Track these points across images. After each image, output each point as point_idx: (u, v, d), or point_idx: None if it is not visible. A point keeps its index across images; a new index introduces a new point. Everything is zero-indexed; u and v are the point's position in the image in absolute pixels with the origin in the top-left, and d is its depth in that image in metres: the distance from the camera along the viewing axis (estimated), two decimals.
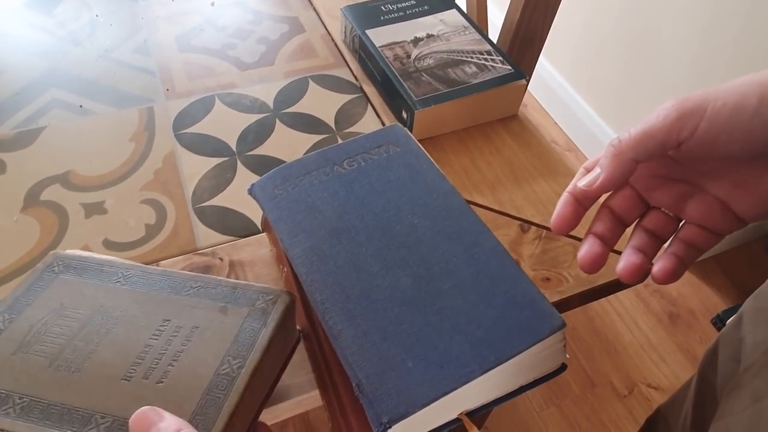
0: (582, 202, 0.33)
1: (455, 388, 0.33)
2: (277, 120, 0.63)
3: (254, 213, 0.54)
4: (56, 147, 0.58)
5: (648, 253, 0.32)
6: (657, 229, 0.33)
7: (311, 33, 0.76)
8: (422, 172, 0.44)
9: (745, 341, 0.44)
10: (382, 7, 0.69)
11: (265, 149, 0.60)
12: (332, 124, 0.63)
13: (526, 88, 0.63)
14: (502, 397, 0.37)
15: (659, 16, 1.29)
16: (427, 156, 0.46)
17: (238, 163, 0.58)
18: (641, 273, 0.32)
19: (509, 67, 0.62)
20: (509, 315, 0.36)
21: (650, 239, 0.33)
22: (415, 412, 0.32)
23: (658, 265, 0.32)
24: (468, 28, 0.67)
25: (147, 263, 0.49)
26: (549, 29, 0.73)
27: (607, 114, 1.55)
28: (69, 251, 0.41)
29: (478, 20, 0.81)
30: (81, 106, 0.62)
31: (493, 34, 0.69)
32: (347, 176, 0.44)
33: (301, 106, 0.65)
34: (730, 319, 0.49)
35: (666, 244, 0.33)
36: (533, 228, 0.54)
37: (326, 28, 0.76)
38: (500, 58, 0.63)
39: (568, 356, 0.38)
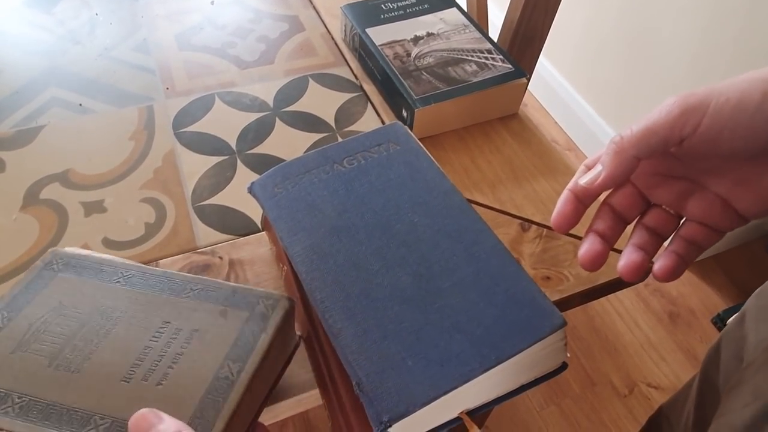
0: (583, 199, 0.33)
1: (456, 387, 0.33)
2: (277, 119, 0.63)
3: (254, 212, 0.54)
4: (56, 146, 0.58)
5: (649, 251, 0.32)
6: (658, 226, 0.33)
7: (311, 31, 0.75)
8: (422, 170, 0.44)
9: (747, 339, 0.44)
10: (382, 6, 0.69)
11: (265, 148, 0.60)
12: (332, 123, 0.63)
13: (526, 87, 0.63)
14: (502, 396, 0.37)
15: (659, 15, 1.29)
16: (427, 154, 0.46)
17: (238, 161, 0.58)
18: (642, 271, 0.32)
19: (509, 66, 0.62)
20: (510, 313, 0.36)
21: (651, 237, 0.33)
22: (415, 411, 0.32)
23: (659, 263, 0.31)
24: (468, 27, 0.67)
25: (146, 262, 0.49)
26: (549, 28, 0.73)
27: (607, 113, 1.55)
28: (68, 249, 0.41)
29: (478, 19, 0.80)
30: (80, 105, 0.62)
31: (493, 34, 0.69)
32: (347, 174, 0.44)
33: (301, 105, 0.65)
34: (733, 317, 0.49)
35: (667, 242, 0.33)
36: (534, 227, 0.54)
37: (326, 27, 0.76)
38: (500, 56, 0.63)
39: (568, 355, 0.38)
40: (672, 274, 0.31)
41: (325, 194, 0.42)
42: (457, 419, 0.36)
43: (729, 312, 1.27)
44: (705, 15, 1.18)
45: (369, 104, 0.66)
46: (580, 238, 0.42)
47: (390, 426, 0.32)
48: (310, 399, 0.43)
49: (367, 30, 0.66)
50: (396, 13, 0.68)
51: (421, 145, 0.47)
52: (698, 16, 1.20)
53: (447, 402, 0.34)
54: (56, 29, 0.71)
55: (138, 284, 0.39)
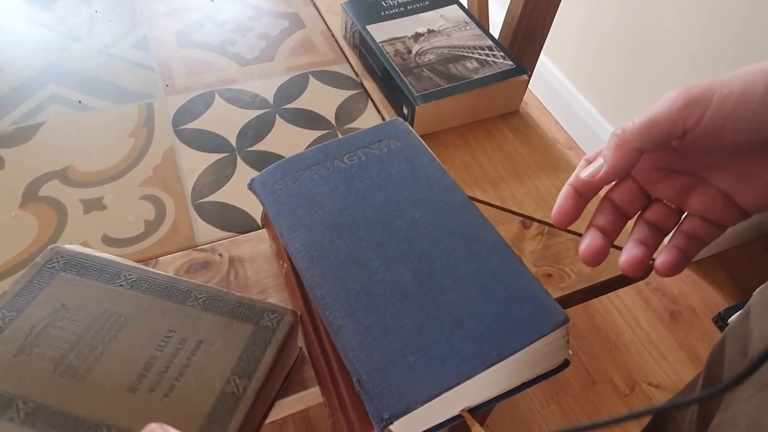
0: (583, 194, 0.33)
1: (457, 384, 0.33)
2: (277, 116, 0.63)
3: (254, 209, 0.53)
4: (55, 143, 0.58)
5: (650, 246, 0.32)
6: (659, 221, 0.33)
7: (311, 29, 0.75)
8: (423, 166, 0.44)
9: (752, 335, 0.44)
10: (383, 3, 0.69)
11: (265, 145, 0.60)
12: (332, 120, 0.63)
13: (527, 84, 0.63)
14: (504, 393, 0.37)
15: (660, 12, 1.29)
16: (428, 151, 0.46)
17: (238, 158, 0.58)
18: (644, 266, 0.31)
19: (510, 63, 0.62)
20: (511, 310, 0.36)
21: (652, 232, 0.33)
22: (416, 408, 0.32)
23: (661, 258, 0.31)
24: (469, 24, 0.67)
25: (146, 259, 0.49)
26: (551, 25, 0.72)
27: (608, 112, 1.55)
28: (68, 246, 0.41)
29: (479, 16, 0.80)
30: (80, 102, 0.62)
31: (494, 31, 0.69)
32: (348, 171, 0.43)
33: (302, 102, 0.65)
34: (737, 313, 0.49)
35: (668, 237, 0.33)
36: (535, 224, 0.54)
37: (326, 24, 0.76)
38: (501, 53, 0.63)
39: (570, 352, 0.38)
40: (674, 269, 0.31)
41: (325, 190, 0.42)
42: (459, 417, 0.36)
43: (730, 311, 1.27)
44: (706, 12, 1.18)
45: (369, 101, 0.65)
46: (581, 235, 0.42)
47: (391, 423, 0.32)
48: (311, 397, 0.42)
49: (367, 27, 0.66)
50: (396, 10, 0.68)
51: (422, 142, 0.46)
52: (699, 13, 1.19)
53: (448, 399, 0.33)
54: (56, 26, 0.71)
55: (141, 288, 0.39)
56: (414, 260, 0.38)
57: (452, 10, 0.69)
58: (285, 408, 0.42)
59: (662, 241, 0.33)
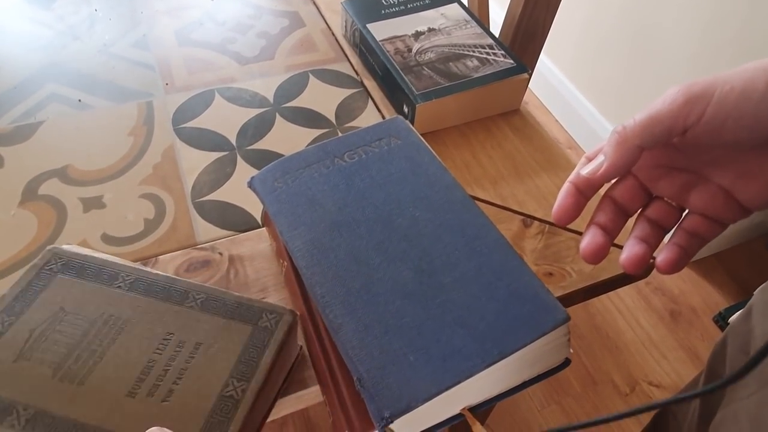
0: (584, 191, 0.33)
1: (458, 383, 0.33)
2: (278, 114, 0.63)
3: (254, 207, 0.53)
4: (54, 141, 0.58)
5: (651, 243, 0.32)
6: (660, 219, 0.33)
7: (311, 27, 0.75)
8: (423, 164, 0.44)
9: (754, 333, 0.44)
10: (383, 1, 0.69)
11: (265, 144, 0.59)
12: (333, 119, 0.63)
13: (528, 82, 0.62)
14: (505, 392, 0.37)
15: (660, 12, 1.29)
16: (428, 149, 0.45)
17: (238, 157, 0.58)
18: (644, 263, 0.31)
19: (511, 61, 0.62)
20: (512, 308, 0.36)
21: (653, 229, 0.33)
22: (417, 407, 0.32)
23: (662, 256, 0.31)
24: (469, 22, 0.67)
25: (146, 258, 0.49)
26: (551, 23, 0.72)
27: (608, 111, 1.55)
28: (66, 247, 0.41)
29: (479, 14, 0.80)
30: (80, 101, 0.62)
31: (493, 31, 0.68)
32: (348, 169, 0.43)
33: (302, 101, 0.64)
34: (739, 312, 0.49)
35: (669, 235, 0.33)
36: (536, 223, 0.54)
37: (326, 23, 0.76)
38: (502, 52, 0.63)
39: (571, 351, 0.38)
40: (675, 267, 0.31)
41: (325, 189, 0.42)
42: (459, 416, 0.35)
43: (730, 310, 1.27)
44: (706, 12, 1.18)
45: (370, 100, 0.65)
46: (582, 234, 0.42)
47: (391, 422, 0.32)
48: (311, 396, 0.42)
49: (367, 25, 0.66)
50: (397, 9, 0.68)
51: (423, 140, 0.46)
52: (699, 13, 1.19)
53: (449, 398, 0.33)
54: (55, 25, 0.71)
55: (139, 289, 0.38)
56: (414, 258, 0.38)
57: (453, 9, 0.68)
58: (285, 407, 0.42)
59: (663, 238, 0.33)
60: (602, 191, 0.34)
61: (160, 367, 0.35)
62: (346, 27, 0.71)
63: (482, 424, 0.35)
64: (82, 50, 0.68)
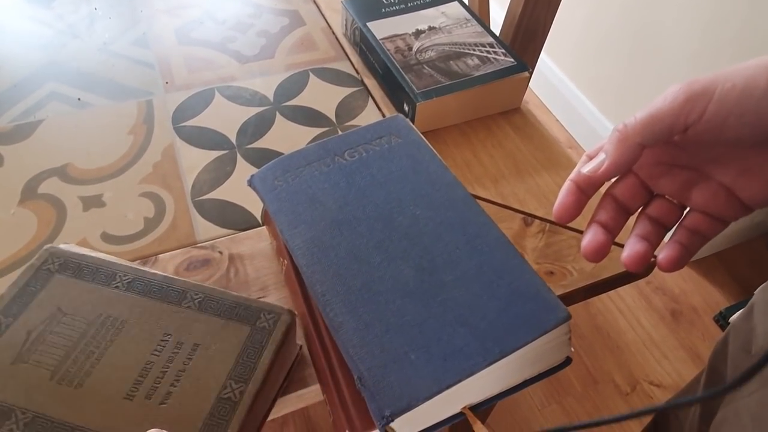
0: (585, 189, 0.33)
1: (459, 381, 0.33)
2: (278, 113, 0.63)
3: (254, 206, 0.53)
4: (54, 140, 0.58)
5: (652, 241, 0.32)
6: (661, 216, 0.33)
7: (311, 26, 0.75)
8: (424, 163, 0.44)
9: (756, 331, 0.44)
10: (384, 0, 0.68)
11: (265, 142, 0.59)
12: (333, 118, 0.63)
13: (529, 81, 0.62)
14: (506, 390, 0.37)
15: (660, 11, 1.28)
16: (429, 147, 0.45)
17: (238, 156, 0.58)
18: (646, 260, 0.31)
19: (512, 60, 0.61)
20: (514, 307, 0.35)
21: (654, 227, 0.33)
22: (417, 406, 0.32)
23: (663, 253, 0.31)
24: (470, 21, 0.66)
25: (146, 256, 0.48)
26: (552, 21, 0.72)
27: (609, 111, 1.55)
28: (64, 246, 0.41)
29: (479, 13, 0.80)
30: (79, 99, 0.62)
31: (494, 29, 0.68)
32: (348, 167, 0.43)
33: (302, 100, 0.64)
34: (740, 311, 0.49)
35: (670, 232, 0.33)
36: (536, 221, 0.53)
37: (327, 21, 0.75)
38: (503, 50, 0.63)
39: (573, 349, 0.38)
40: (676, 264, 0.31)
41: (326, 187, 0.42)
42: (460, 414, 0.35)
43: (731, 309, 1.27)
44: (706, 11, 1.17)
45: (370, 98, 0.65)
46: (583, 233, 0.42)
47: (392, 421, 0.32)
48: (311, 394, 0.42)
49: (368, 24, 0.65)
50: (397, 7, 0.68)
51: (423, 138, 0.46)
52: (700, 12, 1.19)
53: (450, 396, 0.33)
54: (55, 23, 0.71)
55: (137, 289, 0.38)
56: (415, 257, 0.38)
57: (453, 7, 0.68)
58: (285, 406, 0.42)
59: (664, 236, 0.33)
60: (603, 189, 0.34)
61: (158, 368, 0.35)
62: (346, 25, 0.71)
63: (483, 422, 0.35)
64: (81, 49, 0.68)
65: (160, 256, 0.49)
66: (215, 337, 0.36)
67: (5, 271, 0.47)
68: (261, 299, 0.46)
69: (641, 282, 1.35)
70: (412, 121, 0.58)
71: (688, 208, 0.33)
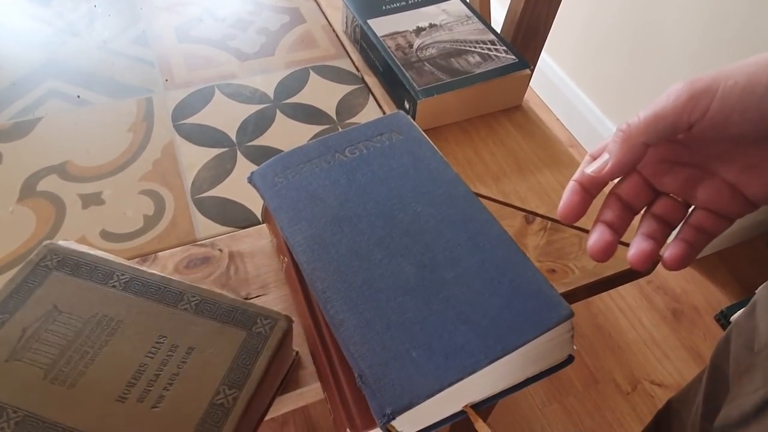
0: (589, 189, 0.33)
1: (460, 379, 0.32)
2: (278, 111, 0.62)
3: (254, 204, 0.53)
4: (53, 137, 0.57)
5: (658, 240, 0.32)
6: (666, 215, 0.33)
7: (312, 23, 0.75)
8: (425, 159, 0.43)
9: (758, 328, 0.43)
10: None
11: (266, 140, 0.59)
12: (333, 115, 0.62)
13: (530, 78, 0.62)
14: (508, 388, 0.37)
15: (661, 10, 1.28)
16: (430, 144, 0.45)
17: (238, 153, 0.57)
18: (652, 259, 0.31)
19: (513, 57, 0.61)
20: (515, 304, 0.35)
21: (660, 225, 0.32)
22: (419, 404, 0.32)
23: (669, 252, 0.31)
24: (471, 18, 0.66)
25: (145, 254, 0.48)
26: (553, 19, 0.72)
27: (610, 110, 1.54)
28: (62, 243, 0.40)
29: (480, 10, 0.80)
30: (79, 97, 0.62)
31: (494, 27, 0.68)
32: (349, 164, 0.43)
33: (302, 97, 0.64)
34: (742, 309, 0.49)
35: (676, 230, 0.33)
36: (538, 219, 0.53)
37: (327, 19, 0.75)
38: (504, 47, 0.62)
39: (575, 347, 0.37)
40: (682, 262, 0.31)
41: (326, 184, 0.41)
42: (462, 413, 0.35)
43: (732, 309, 1.27)
44: (707, 10, 1.17)
45: (371, 96, 0.65)
46: (585, 231, 0.41)
47: (393, 419, 0.31)
48: (311, 393, 0.42)
49: (368, 21, 0.65)
50: (398, 4, 0.67)
51: (424, 135, 0.46)
52: (700, 11, 1.19)
53: (451, 395, 0.33)
54: (55, 21, 0.70)
55: (134, 289, 0.38)
56: (416, 254, 0.37)
57: (454, 4, 0.68)
58: (286, 405, 0.42)
59: (670, 234, 0.33)
60: (607, 188, 0.34)
61: (152, 371, 0.34)
62: (346, 23, 0.71)
63: (484, 421, 0.35)
64: (81, 47, 0.68)
65: (159, 253, 0.48)
66: (210, 340, 0.36)
67: (4, 268, 0.47)
68: (261, 297, 0.46)
69: (642, 281, 1.35)
70: (413, 118, 0.58)
71: (692, 206, 0.32)
